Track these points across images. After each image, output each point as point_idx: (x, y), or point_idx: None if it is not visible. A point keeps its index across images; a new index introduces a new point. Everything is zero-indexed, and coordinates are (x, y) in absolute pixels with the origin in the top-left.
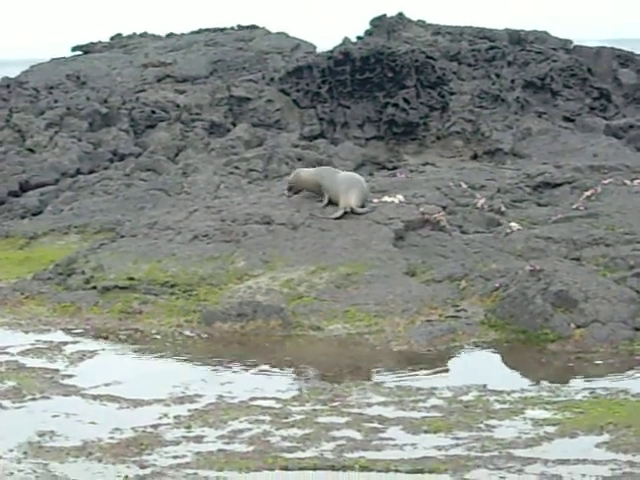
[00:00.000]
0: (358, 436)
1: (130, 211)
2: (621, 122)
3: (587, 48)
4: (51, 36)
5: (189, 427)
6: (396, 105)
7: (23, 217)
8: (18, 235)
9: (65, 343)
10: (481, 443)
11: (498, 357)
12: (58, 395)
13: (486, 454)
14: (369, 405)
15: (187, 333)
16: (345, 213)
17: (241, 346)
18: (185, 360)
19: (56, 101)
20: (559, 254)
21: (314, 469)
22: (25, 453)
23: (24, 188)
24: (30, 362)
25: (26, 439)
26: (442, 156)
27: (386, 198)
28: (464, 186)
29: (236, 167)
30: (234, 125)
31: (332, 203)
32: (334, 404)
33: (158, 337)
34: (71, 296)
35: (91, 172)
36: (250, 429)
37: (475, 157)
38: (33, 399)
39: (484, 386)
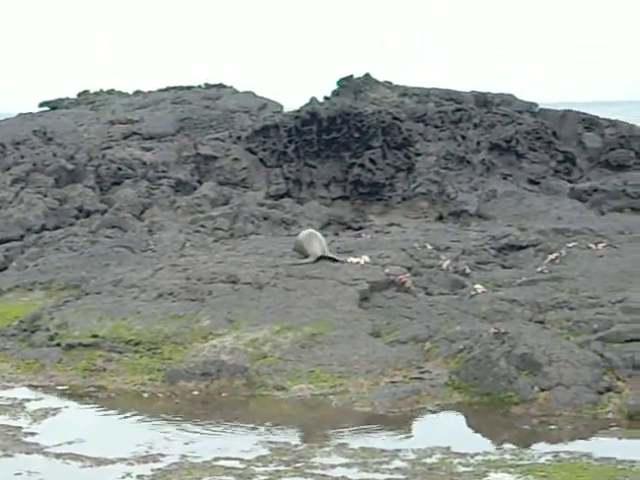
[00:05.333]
0: None
1: (95, 268)
2: (585, 185)
3: (552, 111)
4: (18, 91)
5: None
6: (362, 165)
7: None
8: None
9: (28, 400)
10: None
11: (462, 419)
12: (21, 453)
13: None
14: (332, 466)
15: (151, 391)
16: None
17: (205, 405)
18: (149, 419)
19: (22, 157)
20: (523, 317)
21: None
22: None
23: None
24: None
25: None
26: (407, 217)
27: (351, 259)
28: (429, 247)
29: (202, 225)
30: (200, 183)
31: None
32: (298, 465)
33: (122, 395)
34: (35, 353)
35: (56, 228)
36: None
37: (440, 218)
38: None
39: (448, 448)
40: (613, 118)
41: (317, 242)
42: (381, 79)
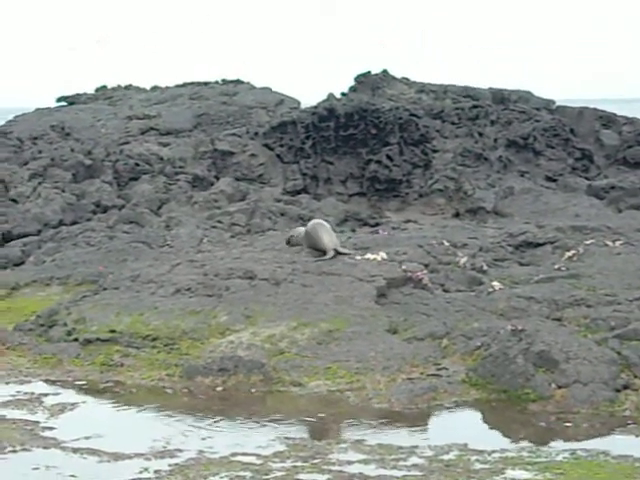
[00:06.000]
0: None
1: (112, 263)
2: (603, 183)
3: (570, 108)
4: (36, 86)
5: None
6: (379, 162)
7: (5, 267)
8: (0, 285)
9: (46, 395)
10: None
11: (479, 416)
12: (38, 447)
13: None
14: (350, 463)
15: (168, 387)
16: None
17: (222, 401)
18: (166, 414)
19: (40, 152)
20: (541, 314)
21: None
22: None
23: (6, 238)
24: (10, 414)
25: None
26: (424, 213)
27: (369, 255)
28: (446, 244)
29: (219, 221)
30: (217, 179)
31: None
32: (315, 461)
33: (139, 390)
34: (52, 348)
35: (74, 223)
36: None
37: (457, 215)
38: (13, 451)
39: (465, 445)
40: (630, 115)
41: (327, 235)
42: (398, 75)
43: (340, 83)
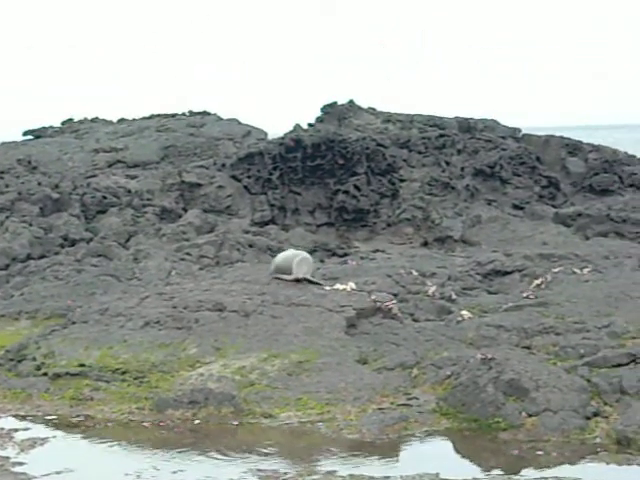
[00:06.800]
0: None
1: (81, 297)
2: (570, 210)
3: (536, 137)
4: (1, 120)
5: None
6: (347, 192)
7: None
8: None
9: (16, 430)
10: None
11: (450, 446)
12: None
13: None
14: None
15: (139, 420)
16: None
17: (193, 433)
18: (137, 447)
19: (7, 186)
20: (510, 342)
21: None
22: None
23: None
24: None
25: None
26: (393, 243)
27: (338, 285)
28: (415, 273)
29: (187, 253)
30: (185, 211)
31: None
32: None
33: (110, 424)
34: (22, 382)
35: (42, 257)
36: None
37: (425, 244)
38: None
39: (437, 475)
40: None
41: (306, 267)
42: (365, 106)
43: (307, 114)
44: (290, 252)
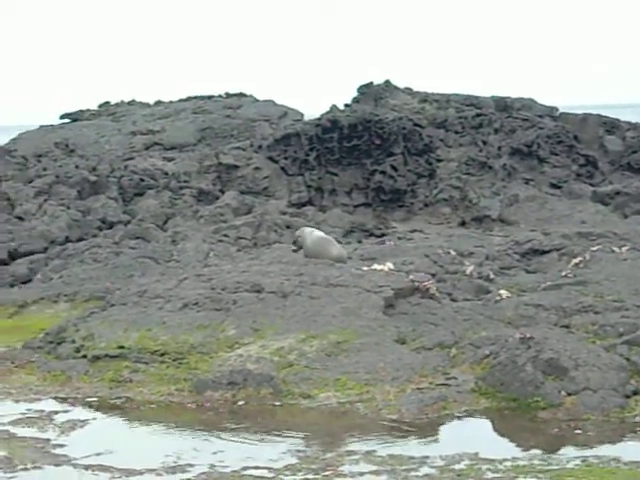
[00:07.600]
0: None
1: (119, 279)
2: (608, 189)
3: (573, 115)
4: (39, 103)
5: None
6: (384, 172)
7: (12, 285)
8: (7, 303)
9: (56, 412)
10: None
11: (489, 425)
12: (50, 465)
13: None
14: (361, 474)
15: (178, 401)
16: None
17: (232, 414)
18: (177, 429)
19: (45, 169)
20: (549, 321)
21: None
22: None
23: (13, 256)
24: (21, 432)
25: None
26: (430, 223)
27: (375, 266)
28: (453, 253)
29: (225, 235)
30: (222, 192)
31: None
32: (326, 473)
33: (149, 406)
34: (61, 365)
35: (80, 240)
36: None
37: (463, 224)
38: (25, 469)
39: (476, 454)
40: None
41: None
42: (401, 86)
43: (343, 94)
44: (312, 234)
